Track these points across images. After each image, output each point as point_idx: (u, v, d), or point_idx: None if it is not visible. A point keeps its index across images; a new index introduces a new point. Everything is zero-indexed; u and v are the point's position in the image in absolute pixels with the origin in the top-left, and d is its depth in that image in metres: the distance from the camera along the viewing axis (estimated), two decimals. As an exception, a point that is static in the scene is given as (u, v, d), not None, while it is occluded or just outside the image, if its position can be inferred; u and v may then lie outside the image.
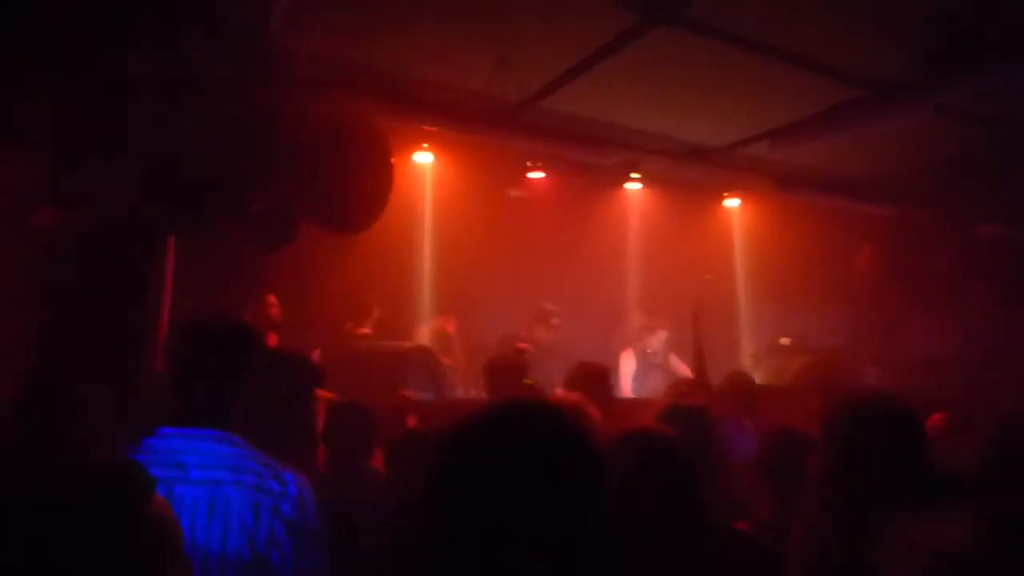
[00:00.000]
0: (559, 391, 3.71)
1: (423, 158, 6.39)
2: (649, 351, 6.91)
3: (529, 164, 6.65)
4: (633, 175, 7.00)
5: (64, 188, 3.63)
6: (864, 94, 5.12)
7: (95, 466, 1.62)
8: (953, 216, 6.68)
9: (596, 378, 3.79)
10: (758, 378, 7.43)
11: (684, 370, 6.43)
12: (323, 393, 3.20)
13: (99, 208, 3.60)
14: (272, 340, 4.96)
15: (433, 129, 5.75)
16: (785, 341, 7.86)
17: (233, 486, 1.72)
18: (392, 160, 4.41)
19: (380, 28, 4.44)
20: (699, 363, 4.87)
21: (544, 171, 6.68)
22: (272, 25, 3.99)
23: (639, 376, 6.66)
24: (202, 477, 1.72)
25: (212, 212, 3.61)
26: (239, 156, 3.62)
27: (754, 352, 7.98)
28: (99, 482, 1.40)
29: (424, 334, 6.36)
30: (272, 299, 5.24)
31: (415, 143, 6.16)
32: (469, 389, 5.69)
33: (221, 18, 3.70)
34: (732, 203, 7.83)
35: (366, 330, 5.77)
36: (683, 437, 2.12)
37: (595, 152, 6.39)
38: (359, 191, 4.05)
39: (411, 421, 3.91)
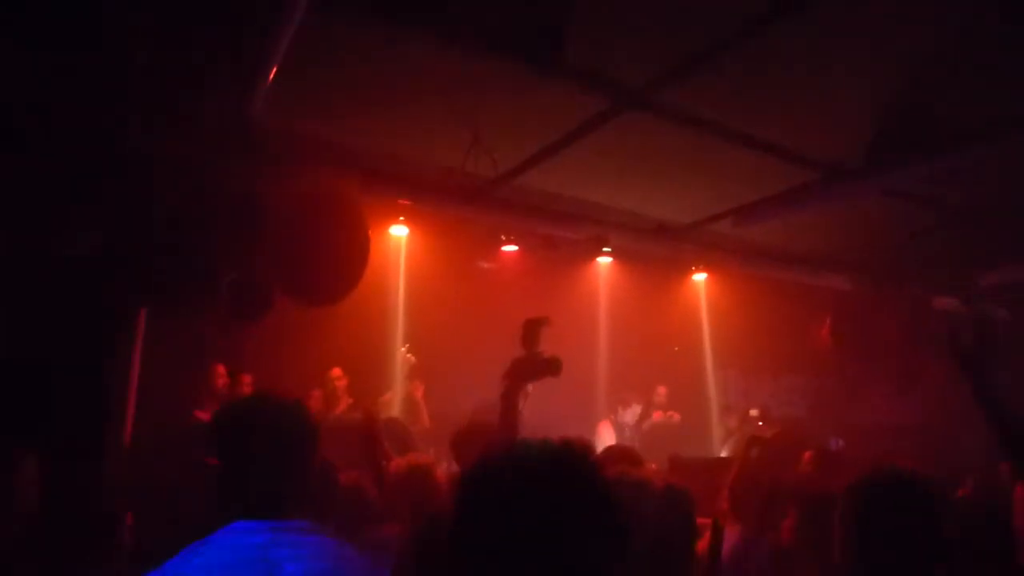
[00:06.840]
0: None
1: (399, 231, 6.53)
2: (624, 423, 7.02)
3: (503, 238, 6.81)
4: (604, 249, 7.16)
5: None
6: (819, 176, 5.37)
7: None
8: (905, 290, 6.91)
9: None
10: (728, 450, 7.53)
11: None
12: None
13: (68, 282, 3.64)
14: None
15: (408, 203, 5.91)
16: (755, 412, 7.96)
17: None
18: (368, 236, 4.50)
19: (357, 109, 4.60)
20: None
21: (517, 244, 6.83)
22: (252, 107, 4.14)
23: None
24: (300, 570, 1.63)
25: (185, 287, 3.68)
26: (212, 232, 3.71)
27: (723, 422, 8.07)
28: None
29: (389, 400, 6.36)
30: (221, 369, 5.09)
31: (391, 217, 6.31)
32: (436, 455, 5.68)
33: (198, 101, 3.84)
34: (700, 277, 8.02)
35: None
36: None
37: (565, 227, 6.56)
38: (333, 265, 4.13)
39: None
